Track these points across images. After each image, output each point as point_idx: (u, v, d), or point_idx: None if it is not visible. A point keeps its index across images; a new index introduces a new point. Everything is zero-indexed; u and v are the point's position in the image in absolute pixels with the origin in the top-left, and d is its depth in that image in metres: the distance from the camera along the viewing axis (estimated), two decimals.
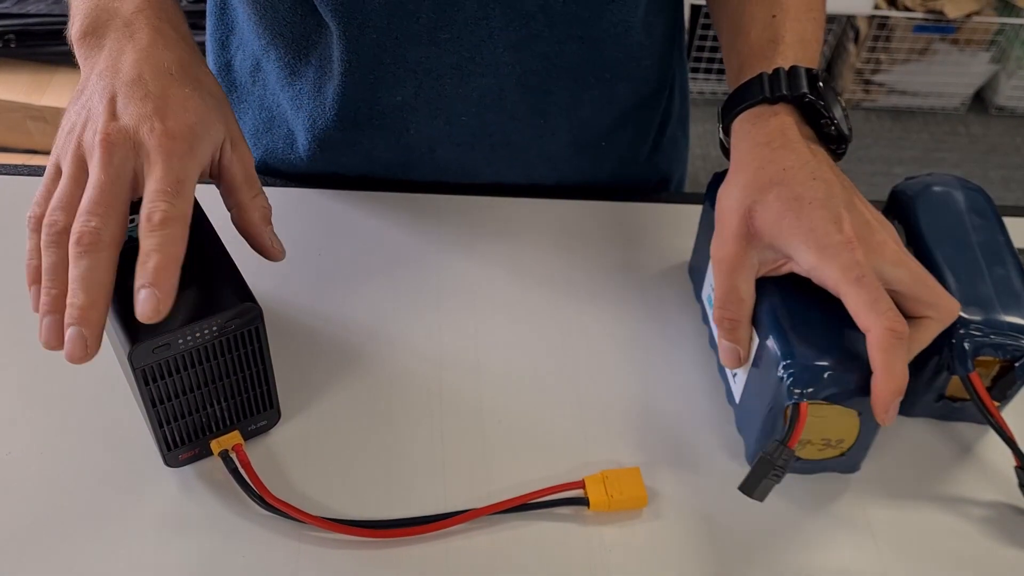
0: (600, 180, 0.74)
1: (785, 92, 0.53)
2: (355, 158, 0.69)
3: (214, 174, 0.51)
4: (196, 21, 0.66)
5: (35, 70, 1.63)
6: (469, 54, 0.61)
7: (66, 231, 0.44)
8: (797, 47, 0.55)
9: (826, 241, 0.48)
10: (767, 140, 0.52)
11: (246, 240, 0.51)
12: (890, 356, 0.46)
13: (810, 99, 0.53)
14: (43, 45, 1.62)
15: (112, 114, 0.47)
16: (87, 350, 0.43)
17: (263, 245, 0.50)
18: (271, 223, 0.51)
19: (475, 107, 0.65)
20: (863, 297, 0.47)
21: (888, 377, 0.47)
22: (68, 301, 0.43)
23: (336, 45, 0.62)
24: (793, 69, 0.54)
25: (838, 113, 0.53)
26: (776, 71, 0.54)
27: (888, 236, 0.49)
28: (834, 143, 0.54)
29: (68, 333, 0.43)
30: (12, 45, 1.61)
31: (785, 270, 0.52)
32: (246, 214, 0.50)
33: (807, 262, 0.49)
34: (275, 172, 0.73)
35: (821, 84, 0.53)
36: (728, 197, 0.52)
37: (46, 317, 0.44)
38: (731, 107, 0.55)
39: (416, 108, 0.65)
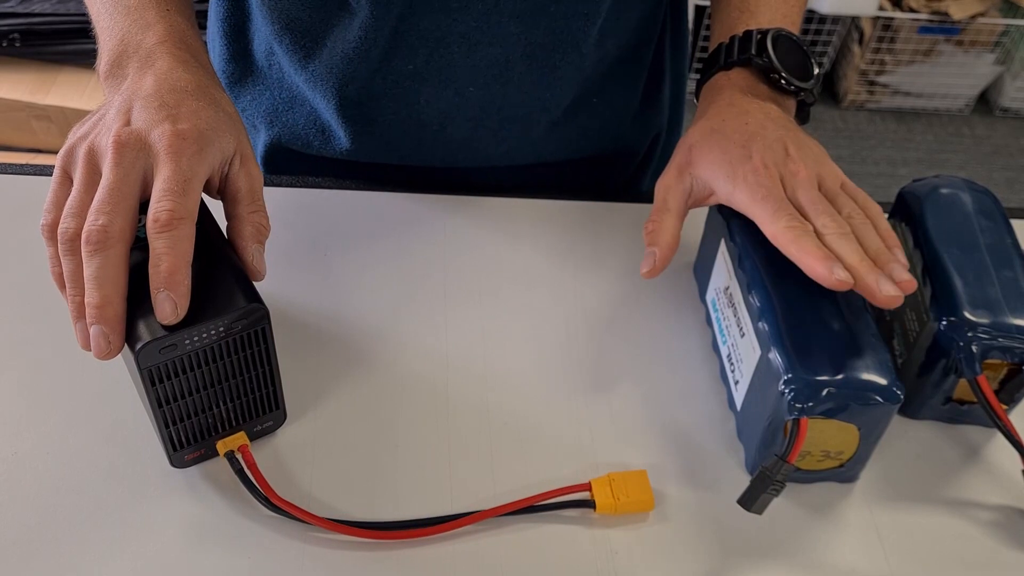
0: (602, 143, 0.75)
1: (735, 58, 0.60)
2: (370, 140, 0.69)
3: (221, 189, 0.51)
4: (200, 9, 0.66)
5: (40, 69, 1.63)
6: (476, 23, 0.62)
7: (78, 236, 0.45)
8: (764, 11, 0.63)
9: (738, 169, 0.54)
10: (719, 100, 0.59)
11: (234, 252, 0.51)
12: (799, 243, 0.50)
13: (756, 62, 0.60)
14: (48, 44, 1.62)
15: (126, 121, 0.48)
16: (110, 346, 0.45)
17: (245, 260, 0.50)
18: (262, 243, 0.51)
19: (483, 78, 0.66)
20: (766, 211, 0.52)
21: (806, 254, 0.50)
22: (85, 301, 0.44)
23: (357, 19, 0.63)
24: (746, 34, 0.61)
25: (792, 66, 0.60)
26: (732, 39, 0.61)
27: (801, 166, 0.54)
28: (793, 94, 0.60)
29: (90, 332, 0.44)
30: (17, 44, 1.61)
31: (711, 201, 0.57)
32: (239, 225, 0.50)
33: (724, 190, 0.55)
34: (290, 153, 0.73)
35: (770, 43, 0.59)
36: (681, 139, 0.60)
37: (76, 323, 0.46)
38: (701, 80, 0.63)
39: (427, 78, 0.66)
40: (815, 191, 0.53)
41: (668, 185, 0.58)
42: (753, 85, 0.60)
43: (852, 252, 0.51)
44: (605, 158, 0.77)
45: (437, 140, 0.70)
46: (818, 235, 0.51)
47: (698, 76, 0.64)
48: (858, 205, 0.54)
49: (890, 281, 0.50)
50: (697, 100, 0.63)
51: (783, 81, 0.59)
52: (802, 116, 0.62)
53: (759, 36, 0.60)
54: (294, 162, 0.74)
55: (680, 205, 0.57)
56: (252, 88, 0.73)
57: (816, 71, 0.61)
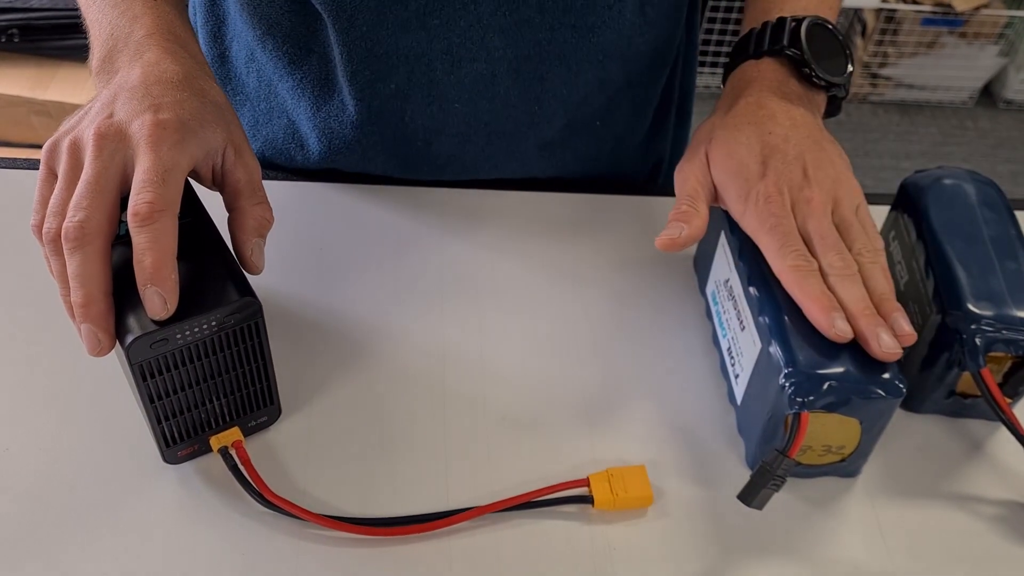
0: (598, 168, 0.73)
1: (765, 47, 0.57)
2: (352, 156, 0.68)
3: (217, 182, 0.50)
4: None
5: (39, 65, 1.63)
6: (459, 39, 0.61)
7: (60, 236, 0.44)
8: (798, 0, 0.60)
9: (751, 189, 0.52)
10: (745, 97, 0.56)
11: (232, 246, 0.50)
12: (803, 286, 0.49)
13: (789, 52, 0.57)
14: (47, 39, 1.61)
15: (109, 113, 0.47)
16: (101, 344, 0.44)
17: (244, 255, 0.49)
18: (264, 236, 0.50)
19: (468, 93, 0.64)
20: (773, 243, 0.51)
21: (809, 300, 0.49)
22: (71, 300, 0.44)
23: (331, 35, 0.62)
24: (779, 21, 0.57)
25: (826, 59, 0.57)
26: (764, 25, 0.58)
27: (816, 192, 0.52)
28: (823, 89, 0.58)
29: (81, 331, 0.44)
30: (16, 40, 1.60)
31: (718, 204, 0.56)
32: (242, 218, 0.49)
33: (735, 208, 0.53)
34: (273, 165, 0.72)
35: (804, 32, 0.56)
36: (704, 125, 0.58)
37: (73, 321, 0.45)
38: (729, 66, 0.60)
39: (410, 95, 0.64)
40: (826, 221, 0.51)
41: (697, 174, 0.55)
42: (783, 80, 0.57)
43: (855, 297, 0.49)
44: (600, 181, 0.74)
45: (422, 156, 0.68)
46: (822, 273, 0.50)
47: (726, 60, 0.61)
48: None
49: (890, 333, 0.48)
50: (723, 85, 0.60)
51: (814, 77, 0.57)
52: (832, 109, 0.60)
53: (793, 24, 0.57)
54: (276, 175, 0.73)
55: (709, 194, 0.55)
56: (233, 97, 0.72)
57: (850, 67, 0.58)
